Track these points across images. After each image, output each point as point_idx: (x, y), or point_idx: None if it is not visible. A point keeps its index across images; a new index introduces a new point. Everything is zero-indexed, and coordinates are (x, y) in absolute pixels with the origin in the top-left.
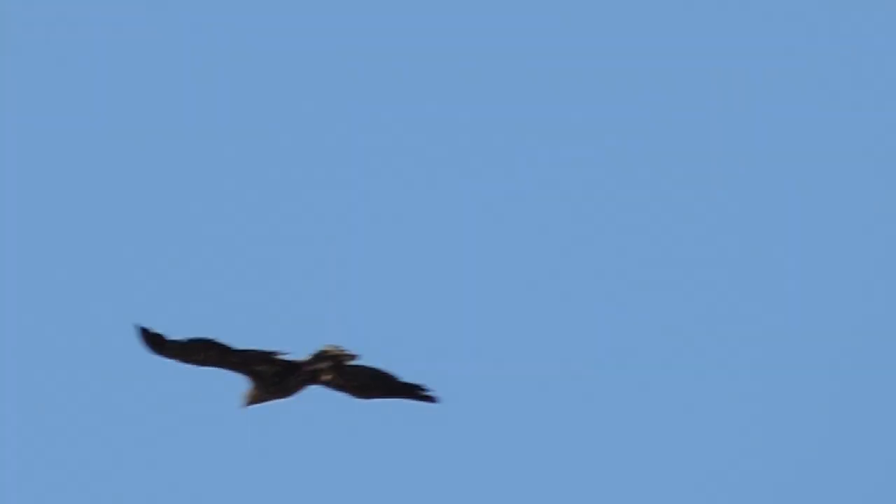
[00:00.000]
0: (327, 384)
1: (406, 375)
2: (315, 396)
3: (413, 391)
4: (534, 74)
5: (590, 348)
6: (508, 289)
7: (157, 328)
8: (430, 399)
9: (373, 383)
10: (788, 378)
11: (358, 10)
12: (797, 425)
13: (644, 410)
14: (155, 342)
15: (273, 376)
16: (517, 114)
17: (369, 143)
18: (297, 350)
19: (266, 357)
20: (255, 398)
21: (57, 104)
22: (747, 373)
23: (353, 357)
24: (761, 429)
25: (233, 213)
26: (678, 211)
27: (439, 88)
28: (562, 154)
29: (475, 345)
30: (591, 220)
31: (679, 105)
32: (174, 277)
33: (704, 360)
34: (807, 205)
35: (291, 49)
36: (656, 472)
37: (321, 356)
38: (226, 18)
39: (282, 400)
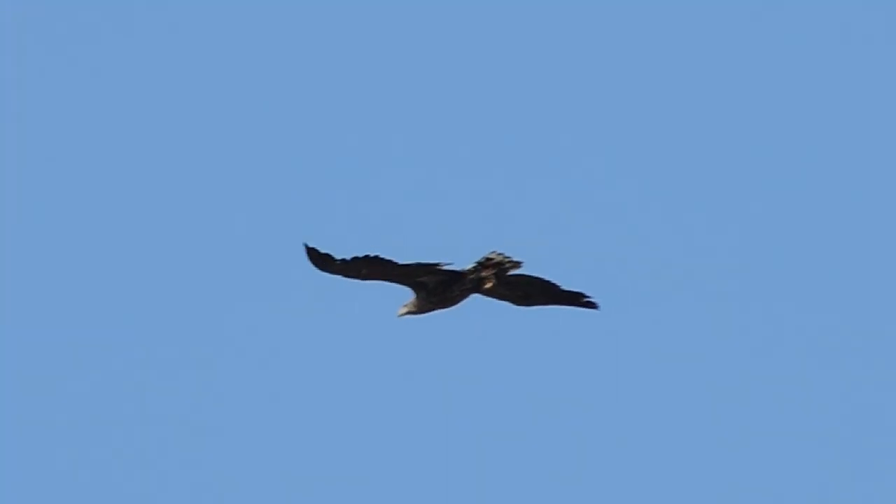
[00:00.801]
0: (490, 293)
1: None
2: (476, 305)
3: (575, 298)
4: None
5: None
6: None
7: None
8: (592, 305)
9: (534, 291)
10: None
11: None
12: None
13: None
14: (322, 260)
15: (436, 286)
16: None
17: None
18: (460, 261)
19: (429, 268)
20: (417, 308)
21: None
22: None
23: (517, 264)
24: None
25: None
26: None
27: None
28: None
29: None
30: None
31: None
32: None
33: None
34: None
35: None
36: None
37: (485, 264)
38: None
39: (444, 310)
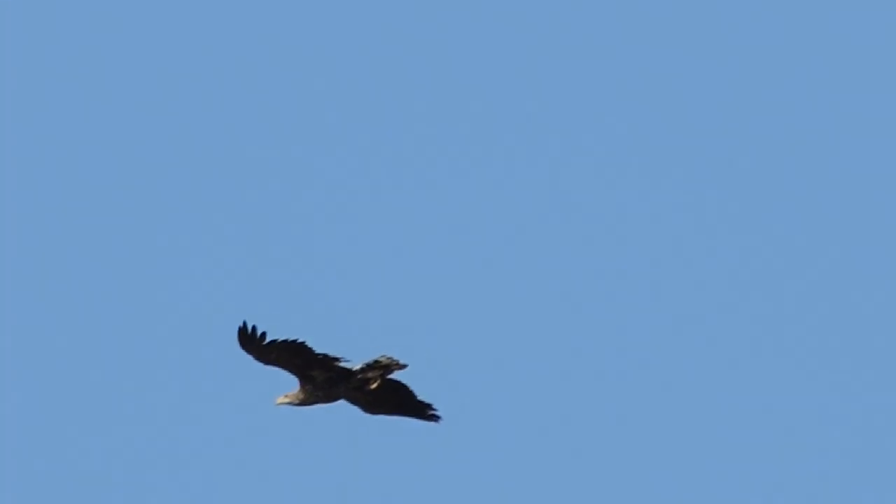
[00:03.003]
0: (351, 395)
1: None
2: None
3: (422, 409)
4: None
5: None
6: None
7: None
8: (434, 419)
9: (388, 396)
10: None
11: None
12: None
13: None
14: (250, 339)
15: (324, 381)
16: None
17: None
18: (353, 357)
19: (326, 363)
20: (299, 400)
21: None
22: None
23: (402, 367)
24: None
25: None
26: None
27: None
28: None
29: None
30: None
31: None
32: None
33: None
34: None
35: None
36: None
37: (373, 366)
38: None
39: (321, 405)
